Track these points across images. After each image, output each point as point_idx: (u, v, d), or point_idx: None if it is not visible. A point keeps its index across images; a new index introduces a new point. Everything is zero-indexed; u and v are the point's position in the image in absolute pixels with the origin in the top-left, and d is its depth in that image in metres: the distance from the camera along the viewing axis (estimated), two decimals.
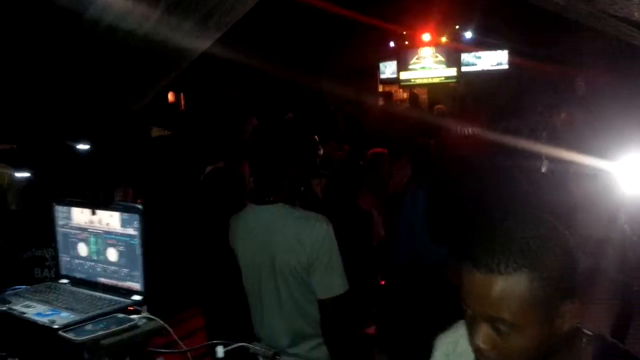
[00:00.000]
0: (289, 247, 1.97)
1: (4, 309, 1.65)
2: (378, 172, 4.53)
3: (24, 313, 1.62)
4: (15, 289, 1.87)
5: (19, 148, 3.10)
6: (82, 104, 3.34)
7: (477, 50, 12.17)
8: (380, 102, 10.73)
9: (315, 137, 3.31)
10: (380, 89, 13.90)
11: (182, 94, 13.24)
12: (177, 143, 7.66)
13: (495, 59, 12.11)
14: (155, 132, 7.17)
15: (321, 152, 3.92)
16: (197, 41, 3.36)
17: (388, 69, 13.55)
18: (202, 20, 3.06)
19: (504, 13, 10.68)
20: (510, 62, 11.78)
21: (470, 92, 11.61)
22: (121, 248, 1.78)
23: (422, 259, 2.52)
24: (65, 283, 1.91)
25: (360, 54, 13.72)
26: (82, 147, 3.80)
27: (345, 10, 10.85)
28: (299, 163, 2.12)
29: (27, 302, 1.70)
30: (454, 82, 12.48)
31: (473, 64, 12.39)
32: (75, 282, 1.90)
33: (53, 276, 2.48)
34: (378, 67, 13.90)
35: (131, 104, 3.91)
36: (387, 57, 13.63)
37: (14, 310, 1.64)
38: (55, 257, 1.96)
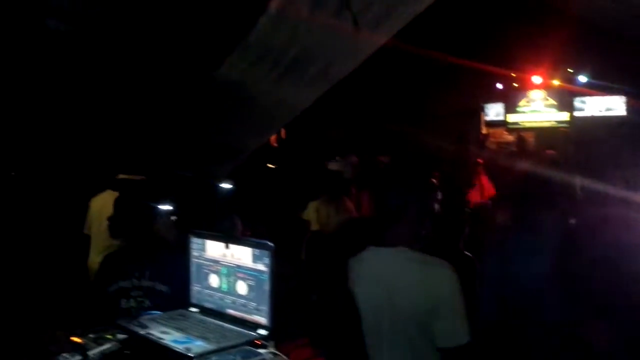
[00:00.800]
0: (411, 292, 1.96)
1: (143, 333, 1.76)
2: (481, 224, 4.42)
3: (162, 339, 1.71)
4: (151, 313, 1.99)
5: (151, 180, 3.32)
6: (215, 146, 3.58)
7: (591, 95, 11.65)
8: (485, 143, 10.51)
9: (434, 180, 3.30)
10: (484, 131, 13.62)
11: (283, 129, 13.67)
12: (282, 178, 7.88)
13: (605, 105, 11.53)
14: (333, 166, 7.40)
15: (440, 196, 3.89)
16: (312, 91, 3.48)
17: (493, 111, 13.27)
18: (318, 74, 3.17)
19: (622, 56, 10.18)
20: (628, 108, 11.16)
21: (583, 138, 11.09)
22: (250, 282, 1.85)
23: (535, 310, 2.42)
24: (195, 312, 2.01)
25: (463, 95, 13.56)
26: (226, 185, 4.04)
27: (449, 51, 10.80)
28: (420, 206, 2.12)
29: (163, 328, 1.80)
30: (566, 126, 11.98)
31: (581, 109, 11.87)
32: (204, 311, 1.99)
33: (137, 306, 2.59)
34: (482, 109, 13.66)
35: (252, 146, 4.16)
36: (492, 99, 13.37)
37: (152, 335, 1.74)
38: (187, 286, 2.06)
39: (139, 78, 2.84)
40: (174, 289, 2.58)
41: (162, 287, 2.63)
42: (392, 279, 2.02)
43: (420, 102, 13.39)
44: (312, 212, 5.71)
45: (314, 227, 5.48)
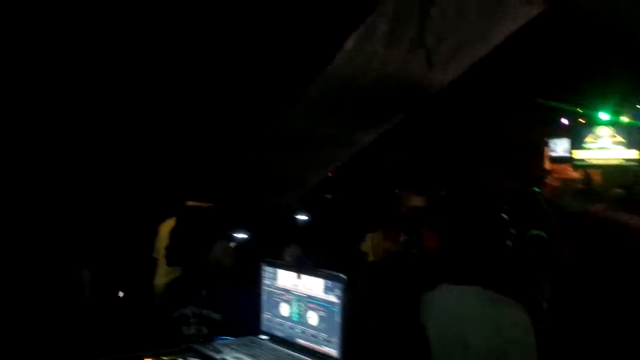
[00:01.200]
0: (484, 333, 1.93)
1: (219, 358, 1.81)
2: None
3: None
4: (223, 339, 2.04)
5: (214, 208, 3.39)
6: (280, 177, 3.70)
7: None
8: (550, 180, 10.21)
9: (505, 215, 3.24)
10: (548, 166, 13.29)
11: None
12: (338, 208, 7.89)
13: None
14: (415, 201, 7.36)
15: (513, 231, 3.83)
16: (384, 122, 3.50)
17: (559, 147, 12.95)
18: (393, 103, 3.19)
19: None
20: None
21: None
22: (321, 313, 1.87)
23: None
24: (265, 339, 2.04)
25: (525, 129, 13.28)
26: (301, 217, 4.14)
27: (515, 85, 10.63)
28: (495, 244, 2.10)
29: (236, 354, 1.84)
30: (635, 165, 11.55)
31: None
32: (274, 339, 2.02)
33: (197, 333, 2.57)
34: (547, 144, 13.36)
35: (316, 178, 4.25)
36: (558, 134, 13.07)
37: None
38: (258, 313, 2.10)
39: (213, 110, 2.96)
40: (227, 318, 2.61)
41: (215, 316, 2.66)
42: (465, 318, 1.99)
43: (482, 134, 13.21)
44: (368, 244, 5.71)
45: (371, 258, 5.46)
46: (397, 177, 10.56)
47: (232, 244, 3.71)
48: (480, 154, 12.86)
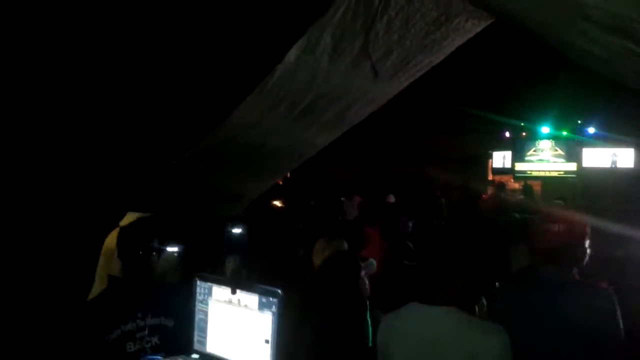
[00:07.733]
0: (458, 358, 1.79)
1: None
2: None
3: None
4: (152, 358, 1.93)
5: (152, 218, 3.24)
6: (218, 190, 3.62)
7: (599, 147, 11.68)
8: (490, 190, 10.46)
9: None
10: (490, 177, 13.65)
11: None
12: (287, 216, 7.81)
13: (614, 156, 11.55)
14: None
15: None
16: (325, 135, 3.44)
17: (501, 159, 13.32)
18: (333, 119, 3.13)
19: (632, 108, 10.22)
20: (637, 160, 11.17)
21: (590, 189, 11.05)
22: (255, 329, 1.80)
23: None
24: (196, 358, 1.95)
25: (471, 141, 13.64)
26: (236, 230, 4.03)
27: (459, 99, 10.89)
28: (477, 264, 1.95)
29: None
30: (573, 177, 11.99)
31: (589, 160, 11.90)
32: (205, 357, 1.93)
33: (146, 346, 2.33)
34: (490, 156, 13.72)
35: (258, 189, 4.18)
36: (500, 147, 13.45)
37: None
38: (191, 331, 2.01)
39: (146, 121, 2.80)
40: (179, 322, 2.47)
41: (167, 322, 2.52)
42: (440, 343, 1.83)
43: (427, 144, 13.47)
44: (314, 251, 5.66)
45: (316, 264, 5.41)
46: (343, 186, 10.58)
47: (175, 253, 3.58)
48: (426, 165, 13.10)
